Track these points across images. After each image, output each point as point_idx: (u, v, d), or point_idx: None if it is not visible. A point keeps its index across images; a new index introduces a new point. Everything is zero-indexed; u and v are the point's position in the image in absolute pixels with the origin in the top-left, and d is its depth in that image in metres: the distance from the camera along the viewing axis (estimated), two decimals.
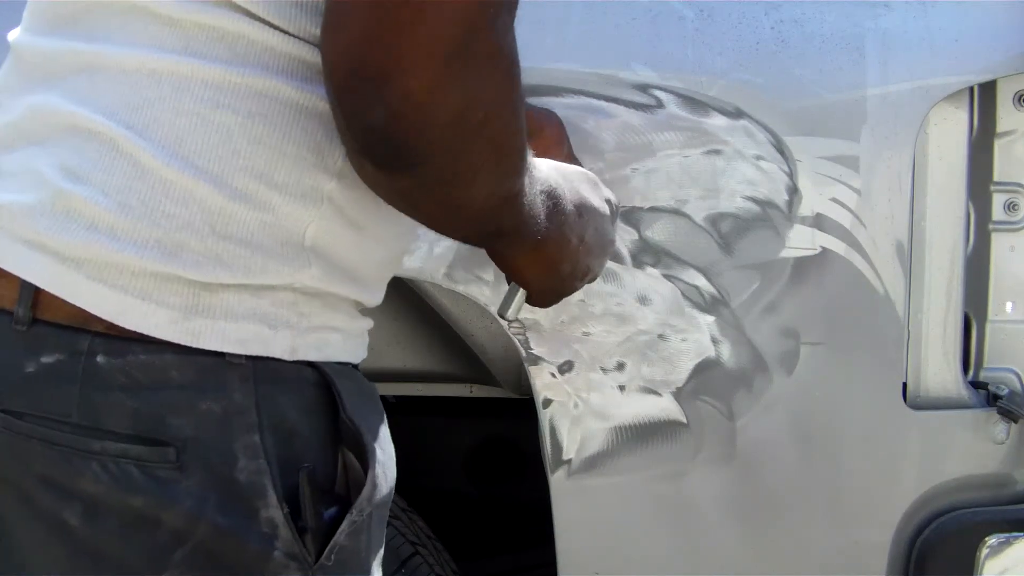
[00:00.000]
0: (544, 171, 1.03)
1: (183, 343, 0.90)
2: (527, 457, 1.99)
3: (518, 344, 1.47)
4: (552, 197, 1.02)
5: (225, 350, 0.91)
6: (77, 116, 0.92)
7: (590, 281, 1.17)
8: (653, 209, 1.46)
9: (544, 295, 1.11)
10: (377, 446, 0.98)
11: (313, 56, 0.91)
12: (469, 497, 2.18)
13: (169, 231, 0.89)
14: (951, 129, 1.50)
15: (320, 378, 0.96)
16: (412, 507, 1.74)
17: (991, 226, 1.55)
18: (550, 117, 1.38)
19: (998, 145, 1.53)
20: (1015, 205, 1.54)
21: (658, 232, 1.46)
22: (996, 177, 1.54)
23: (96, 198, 0.90)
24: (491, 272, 1.45)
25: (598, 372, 1.48)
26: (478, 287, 1.45)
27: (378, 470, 0.96)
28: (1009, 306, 1.55)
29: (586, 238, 1.08)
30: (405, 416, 2.15)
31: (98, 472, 0.89)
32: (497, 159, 0.89)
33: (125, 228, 0.89)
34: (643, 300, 1.47)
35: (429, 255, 1.45)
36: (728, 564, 1.54)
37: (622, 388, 1.48)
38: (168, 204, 0.89)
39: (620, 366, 1.48)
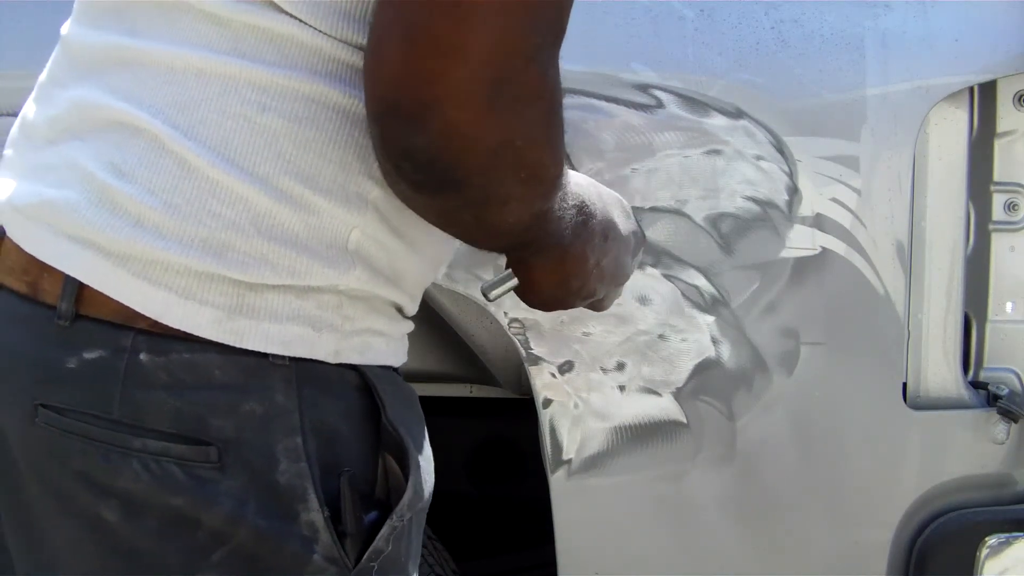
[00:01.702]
0: (581, 186, 1.02)
1: (227, 343, 0.89)
2: (527, 457, 1.99)
3: (518, 344, 1.47)
4: (583, 213, 1.01)
5: (269, 351, 0.90)
6: (121, 112, 0.92)
7: (590, 306, 1.15)
8: (653, 209, 1.46)
9: (543, 302, 1.10)
10: (418, 451, 0.97)
11: (359, 60, 0.90)
12: (469, 497, 2.18)
13: (215, 231, 0.89)
14: (951, 129, 1.50)
15: (362, 382, 0.96)
16: None
17: (991, 226, 1.55)
18: None
19: (998, 145, 1.53)
20: (1015, 205, 1.54)
21: (658, 232, 1.46)
22: (996, 177, 1.54)
23: (142, 196, 0.89)
24: (491, 272, 1.45)
25: (598, 372, 1.48)
26: (478, 287, 1.45)
27: (419, 476, 0.96)
28: (1009, 306, 1.55)
29: (603, 263, 1.07)
30: None
31: (138, 470, 0.88)
32: (533, 187, 0.88)
33: (171, 227, 0.89)
34: (643, 300, 1.47)
35: None
36: (728, 564, 1.54)
37: (622, 388, 1.48)
38: (214, 204, 0.89)
39: (620, 366, 1.48)
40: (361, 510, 0.93)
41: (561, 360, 1.48)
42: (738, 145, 1.45)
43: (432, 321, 1.64)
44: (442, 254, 1.06)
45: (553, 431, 1.49)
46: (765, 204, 1.46)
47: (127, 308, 0.89)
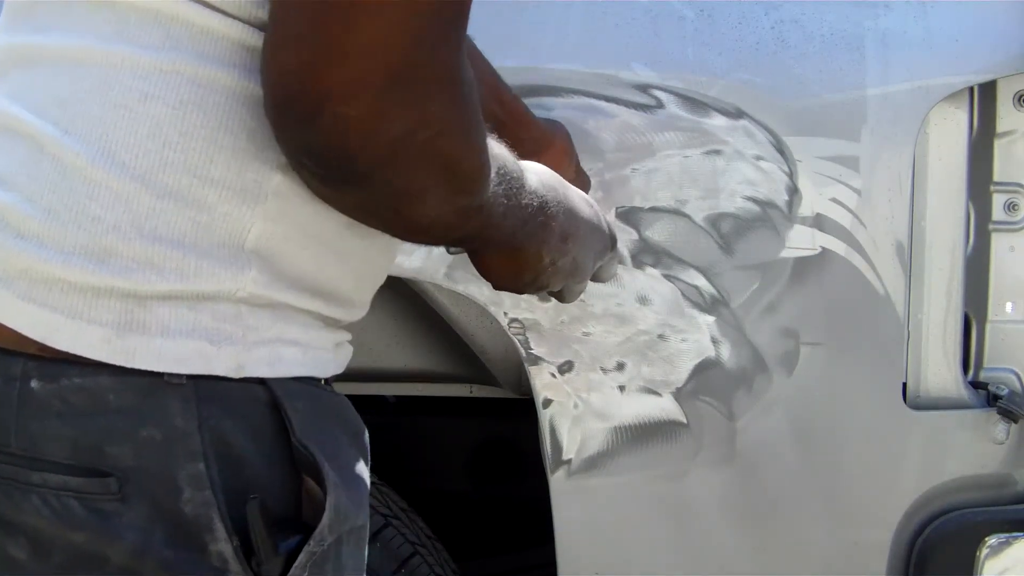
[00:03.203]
0: (545, 186, 0.99)
1: (117, 363, 0.84)
2: (527, 457, 1.99)
3: (518, 344, 1.47)
4: (543, 214, 0.98)
5: (163, 370, 0.84)
6: (8, 116, 0.87)
7: (541, 296, 1.13)
8: (653, 209, 1.46)
9: (495, 286, 1.06)
10: (339, 469, 0.90)
11: (252, 38, 0.86)
12: (469, 497, 2.18)
13: (96, 236, 0.84)
14: (951, 129, 1.50)
15: (273, 397, 0.89)
16: (412, 507, 1.75)
17: (991, 226, 1.55)
18: (558, 129, 1.36)
19: (998, 145, 1.53)
20: (1015, 205, 1.54)
21: (658, 232, 1.46)
22: (996, 177, 1.54)
23: (22, 205, 0.85)
24: None
25: (598, 372, 1.48)
26: (478, 287, 1.45)
27: (339, 496, 0.89)
28: (1009, 306, 1.55)
29: (559, 262, 1.04)
30: (405, 416, 2.15)
31: (39, 506, 0.84)
32: (447, 179, 0.85)
33: (51, 235, 0.84)
34: (643, 300, 1.47)
35: (429, 255, 1.45)
36: (728, 564, 1.54)
37: (622, 388, 1.48)
38: (94, 206, 0.84)
39: (620, 366, 1.48)
40: (280, 536, 0.87)
41: (561, 360, 1.48)
42: (738, 145, 1.45)
43: (432, 321, 1.64)
44: (377, 255, 0.99)
45: (553, 431, 1.49)
46: (765, 204, 1.46)
47: (15, 332, 0.84)
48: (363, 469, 0.96)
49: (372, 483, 1.69)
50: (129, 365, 0.84)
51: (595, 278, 1.17)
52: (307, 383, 0.93)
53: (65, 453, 0.84)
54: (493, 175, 0.90)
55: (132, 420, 0.84)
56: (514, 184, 0.94)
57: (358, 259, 0.95)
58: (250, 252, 0.87)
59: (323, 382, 0.96)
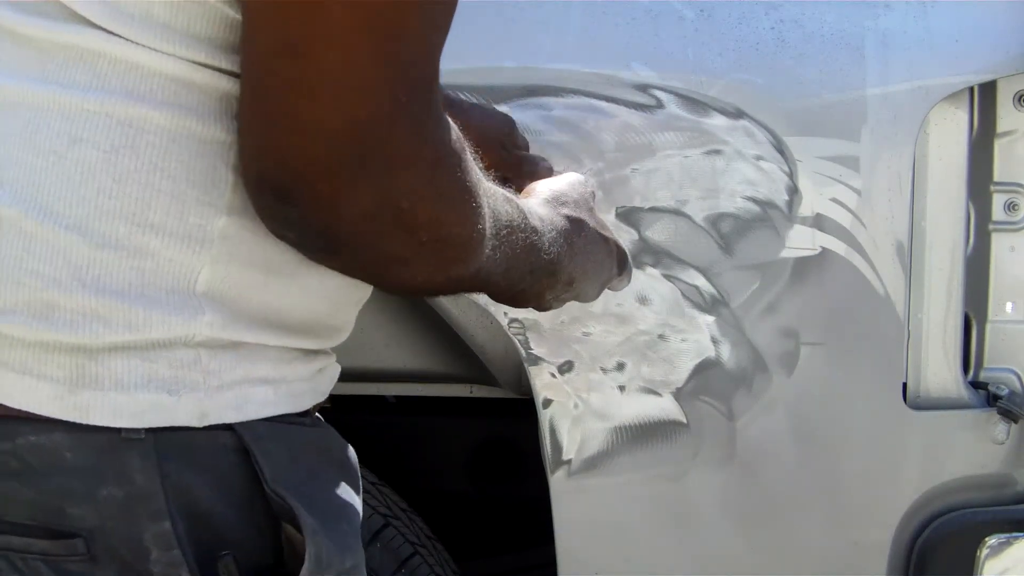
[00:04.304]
0: (557, 239, 0.97)
1: (71, 420, 0.80)
2: (527, 457, 1.99)
3: (518, 344, 1.47)
4: (550, 269, 0.97)
5: (119, 425, 0.80)
6: None
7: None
8: (653, 209, 1.46)
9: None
10: (317, 514, 0.86)
11: (190, 74, 0.82)
12: (469, 497, 2.18)
13: (35, 291, 0.80)
14: (951, 129, 1.50)
15: (242, 443, 0.85)
16: (412, 507, 1.74)
17: (991, 226, 1.55)
18: (538, 167, 1.30)
19: (998, 145, 1.53)
20: (1015, 205, 1.54)
21: (658, 232, 1.46)
22: (996, 177, 1.54)
23: None
24: None
25: (598, 372, 1.47)
26: None
27: (320, 544, 0.85)
28: (1009, 306, 1.55)
29: (563, 296, 1.04)
30: (405, 416, 2.15)
31: (5, 569, 0.81)
32: (433, 248, 0.82)
33: None
34: (643, 300, 1.47)
35: None
36: (728, 564, 1.54)
37: (622, 388, 1.48)
38: (31, 261, 0.80)
39: (620, 366, 1.48)
40: None
41: (561, 360, 1.48)
42: (738, 145, 1.45)
43: (432, 321, 1.64)
44: (352, 293, 0.95)
45: (553, 431, 1.49)
46: (765, 204, 1.46)
47: None
48: (352, 499, 0.93)
49: (372, 483, 1.70)
50: (84, 422, 0.80)
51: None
52: (282, 420, 0.89)
53: (26, 514, 0.81)
54: (492, 238, 0.87)
55: (91, 479, 0.80)
56: (520, 244, 0.92)
57: (331, 287, 0.92)
58: (202, 296, 0.83)
59: (308, 412, 0.93)
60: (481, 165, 0.88)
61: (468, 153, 0.85)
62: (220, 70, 0.83)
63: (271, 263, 0.86)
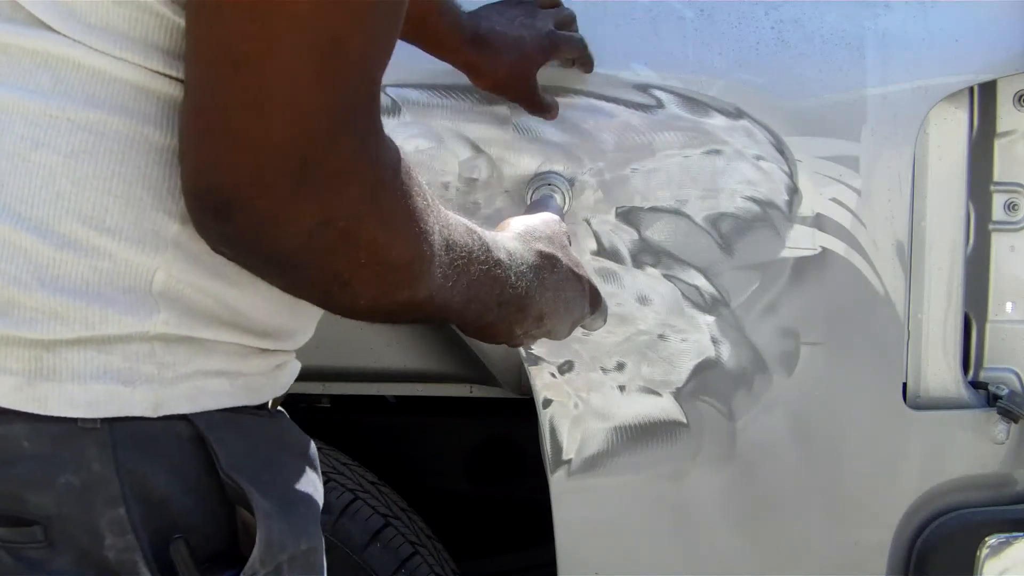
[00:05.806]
0: (525, 273, 0.97)
1: (30, 411, 0.82)
2: (527, 457, 1.99)
3: None
4: (517, 303, 0.97)
5: (75, 415, 0.83)
6: None
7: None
8: (653, 209, 1.46)
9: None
10: (273, 498, 0.88)
11: (148, 82, 0.84)
12: (469, 497, 2.18)
13: None
14: (951, 129, 1.50)
15: (197, 431, 0.87)
16: (412, 507, 1.75)
17: (991, 226, 1.55)
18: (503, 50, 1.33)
19: (998, 145, 1.53)
20: (1015, 205, 1.54)
21: (658, 232, 1.46)
22: (996, 177, 1.54)
23: None
24: None
25: (598, 372, 1.48)
26: None
27: (271, 526, 0.86)
28: (1009, 306, 1.55)
29: (532, 332, 1.03)
30: (405, 416, 2.15)
31: None
32: (373, 272, 0.82)
33: None
34: (643, 300, 1.47)
35: None
36: (728, 564, 1.54)
37: (622, 388, 1.48)
38: None
39: (620, 366, 1.48)
40: (212, 572, 0.85)
41: (561, 360, 1.48)
42: (738, 145, 1.45)
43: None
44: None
45: (553, 431, 1.49)
46: (765, 204, 1.46)
47: None
48: (311, 485, 0.94)
49: (372, 483, 1.70)
50: (41, 412, 0.82)
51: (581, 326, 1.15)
52: (238, 411, 0.90)
53: None
54: (445, 266, 0.87)
55: (49, 467, 0.82)
56: (479, 274, 0.91)
57: (280, 298, 0.92)
58: (158, 295, 0.85)
59: (266, 404, 0.94)
60: (434, 195, 0.88)
61: (416, 177, 0.85)
62: (177, 79, 0.84)
63: (227, 269, 0.87)
